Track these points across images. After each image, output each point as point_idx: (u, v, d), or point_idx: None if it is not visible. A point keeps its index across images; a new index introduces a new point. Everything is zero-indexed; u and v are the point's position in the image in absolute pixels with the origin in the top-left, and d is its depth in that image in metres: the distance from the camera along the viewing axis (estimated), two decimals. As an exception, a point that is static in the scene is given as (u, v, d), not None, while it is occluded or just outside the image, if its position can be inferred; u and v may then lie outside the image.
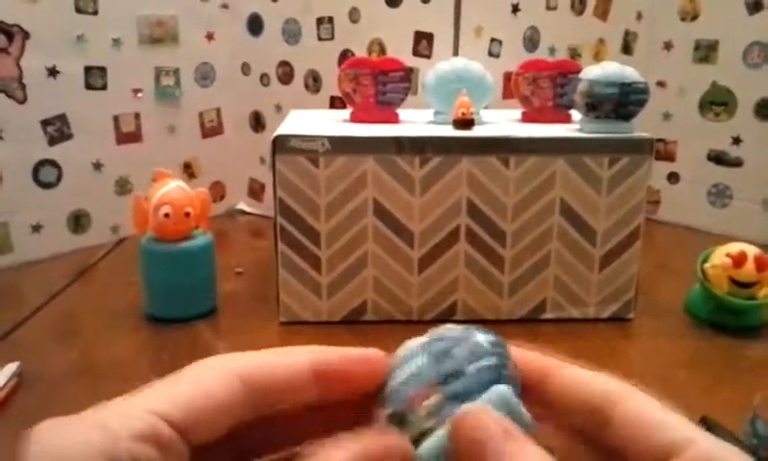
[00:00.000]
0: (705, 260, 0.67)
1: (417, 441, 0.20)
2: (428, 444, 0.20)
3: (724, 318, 0.65)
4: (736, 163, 0.93)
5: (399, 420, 0.21)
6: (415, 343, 0.22)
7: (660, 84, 0.97)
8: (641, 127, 0.65)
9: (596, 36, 0.95)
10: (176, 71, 0.92)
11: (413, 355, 0.21)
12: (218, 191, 1.01)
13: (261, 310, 0.68)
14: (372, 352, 0.22)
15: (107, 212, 0.88)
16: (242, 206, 1.04)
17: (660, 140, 0.98)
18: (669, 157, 0.99)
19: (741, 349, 0.62)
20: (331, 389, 0.21)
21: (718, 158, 0.94)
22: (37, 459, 0.17)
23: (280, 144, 0.61)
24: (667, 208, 1.00)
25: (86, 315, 0.69)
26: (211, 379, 0.19)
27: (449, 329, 0.22)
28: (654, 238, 0.90)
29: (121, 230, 0.90)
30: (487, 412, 0.19)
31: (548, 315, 0.67)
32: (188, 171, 0.97)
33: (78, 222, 0.86)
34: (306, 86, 0.92)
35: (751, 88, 0.89)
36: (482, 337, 0.22)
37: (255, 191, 1.03)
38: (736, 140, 0.92)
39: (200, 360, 0.21)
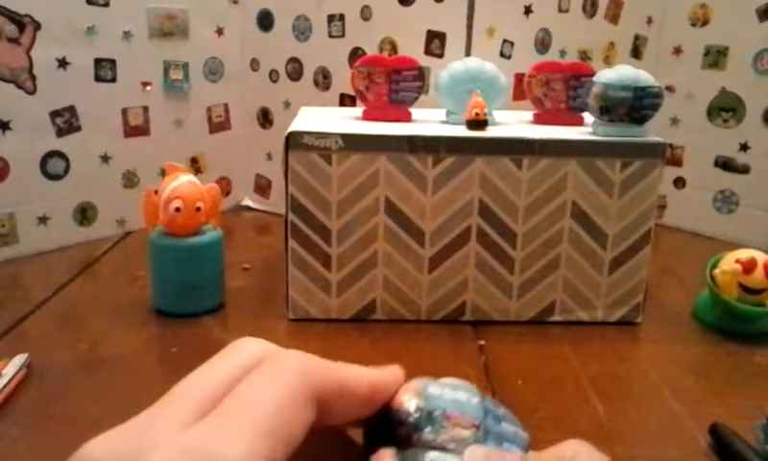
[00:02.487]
0: (714, 266, 0.67)
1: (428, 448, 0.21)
2: (444, 459, 0.20)
3: (732, 324, 0.65)
4: (743, 170, 0.93)
5: (427, 419, 0.21)
6: (467, 383, 0.23)
7: (669, 88, 0.97)
8: (649, 131, 0.65)
9: (607, 39, 0.95)
10: (185, 65, 0.92)
11: (463, 389, 0.23)
12: (224, 187, 1.01)
13: (270, 307, 0.68)
14: (398, 370, 0.23)
15: (113, 205, 0.88)
16: (248, 201, 1.04)
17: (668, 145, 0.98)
18: (676, 163, 0.99)
19: (750, 355, 0.62)
20: (375, 407, 0.22)
21: (725, 165, 0.94)
22: None
23: (294, 141, 0.61)
24: (673, 214, 1.01)
25: (93, 308, 0.68)
26: (294, 402, 0.19)
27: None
28: (659, 243, 0.90)
29: (127, 223, 0.89)
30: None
31: (557, 317, 0.67)
32: (195, 166, 0.97)
33: (84, 214, 0.86)
34: (316, 84, 0.92)
35: (760, 95, 0.89)
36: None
37: (262, 187, 1.03)
38: (744, 147, 0.92)
39: (271, 361, 0.20)
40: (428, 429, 0.21)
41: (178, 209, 0.62)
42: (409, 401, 0.22)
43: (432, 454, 0.20)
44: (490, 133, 0.64)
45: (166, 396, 0.20)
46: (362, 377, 0.22)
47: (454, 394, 0.22)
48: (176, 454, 0.17)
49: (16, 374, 0.52)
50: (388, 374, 0.23)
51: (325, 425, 0.21)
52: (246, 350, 0.21)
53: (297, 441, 0.19)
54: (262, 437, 0.17)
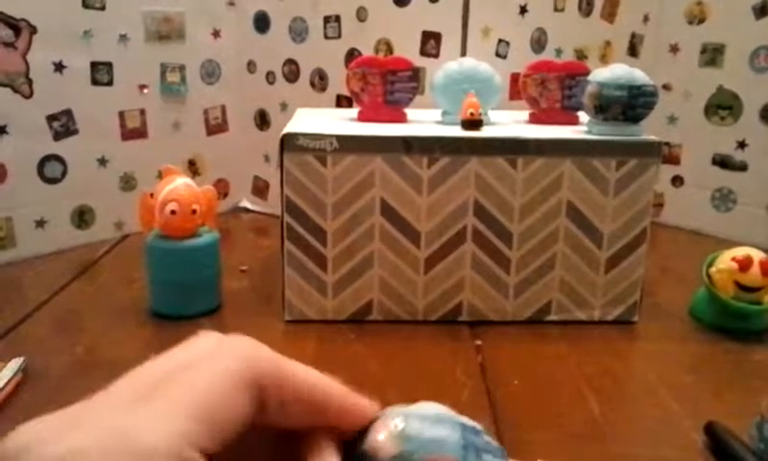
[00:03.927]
0: (710, 264, 0.67)
1: None
2: None
3: (729, 322, 0.65)
4: (741, 168, 0.93)
5: None
6: (444, 410, 0.22)
7: (666, 87, 0.97)
8: (646, 129, 0.65)
9: (603, 38, 0.95)
10: (181, 68, 0.92)
11: (442, 421, 0.21)
12: (222, 189, 1.01)
13: (266, 309, 0.68)
14: (368, 404, 0.22)
15: (111, 208, 0.88)
16: (246, 203, 1.04)
17: (664, 143, 0.98)
18: (674, 161, 0.99)
19: (747, 353, 0.62)
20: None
21: (723, 162, 0.94)
22: None
23: (289, 142, 0.61)
24: (671, 212, 1.00)
25: (90, 311, 0.68)
26: (229, 387, 0.18)
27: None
28: (657, 241, 0.90)
29: (125, 226, 0.90)
30: None
31: (553, 317, 0.67)
32: (192, 168, 0.97)
33: (82, 217, 0.86)
34: (312, 85, 0.92)
35: (757, 93, 0.89)
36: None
37: (260, 189, 1.03)
38: (741, 144, 0.92)
39: (212, 344, 0.20)
40: None
41: (173, 212, 0.62)
42: (385, 446, 0.20)
43: None
44: (484, 133, 0.64)
45: (112, 383, 0.19)
46: (320, 381, 0.21)
47: (434, 430, 0.21)
48: (95, 434, 0.16)
49: (12, 377, 0.52)
50: (355, 396, 0.22)
51: (274, 425, 0.20)
52: (202, 342, 0.20)
53: (232, 428, 0.18)
54: (187, 420, 0.17)
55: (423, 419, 0.21)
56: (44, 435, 0.16)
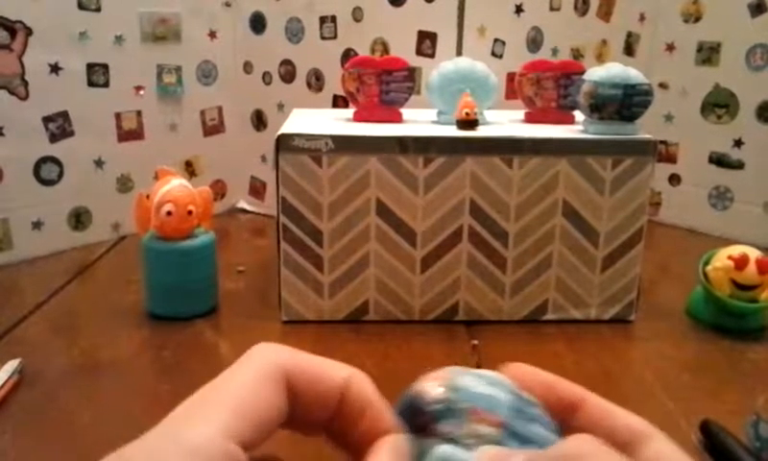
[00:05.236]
0: (706, 263, 0.67)
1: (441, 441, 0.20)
2: (453, 454, 0.19)
3: (726, 321, 0.65)
4: (738, 166, 0.93)
5: (447, 411, 0.20)
6: (503, 378, 0.22)
7: (662, 85, 0.97)
8: (643, 128, 0.65)
9: (599, 37, 0.95)
10: (178, 69, 0.92)
11: (496, 384, 0.21)
12: (219, 189, 1.01)
13: (263, 309, 0.68)
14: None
15: (107, 210, 0.88)
16: (243, 204, 1.04)
17: (661, 142, 0.98)
18: (671, 159, 0.99)
19: (743, 352, 0.62)
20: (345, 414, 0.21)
21: (720, 161, 0.94)
22: None
23: (284, 143, 0.61)
24: (668, 210, 1.00)
25: (87, 313, 0.68)
26: (261, 384, 0.20)
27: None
28: (655, 240, 0.90)
29: (122, 227, 0.90)
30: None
31: (550, 316, 0.67)
32: (189, 169, 0.97)
33: (78, 219, 0.86)
34: (309, 85, 0.92)
35: (753, 91, 0.89)
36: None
37: (257, 190, 1.03)
38: (738, 143, 0.92)
39: (256, 351, 0.21)
40: (447, 421, 0.20)
41: (169, 213, 0.62)
42: (432, 390, 0.21)
43: (442, 448, 0.19)
44: (480, 132, 0.64)
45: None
46: (340, 368, 0.22)
47: (486, 389, 0.21)
48: (146, 440, 0.18)
49: (9, 379, 0.52)
50: (365, 375, 0.22)
51: (302, 420, 0.21)
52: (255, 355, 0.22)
53: (269, 424, 0.19)
54: (227, 417, 0.18)
55: (479, 377, 0.21)
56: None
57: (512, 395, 0.21)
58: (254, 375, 0.20)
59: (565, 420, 0.22)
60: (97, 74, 0.84)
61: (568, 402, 0.22)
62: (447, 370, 0.22)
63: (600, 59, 0.95)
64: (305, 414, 0.21)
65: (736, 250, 0.65)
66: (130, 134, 0.89)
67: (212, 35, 0.95)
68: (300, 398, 0.21)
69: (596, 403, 0.22)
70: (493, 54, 0.85)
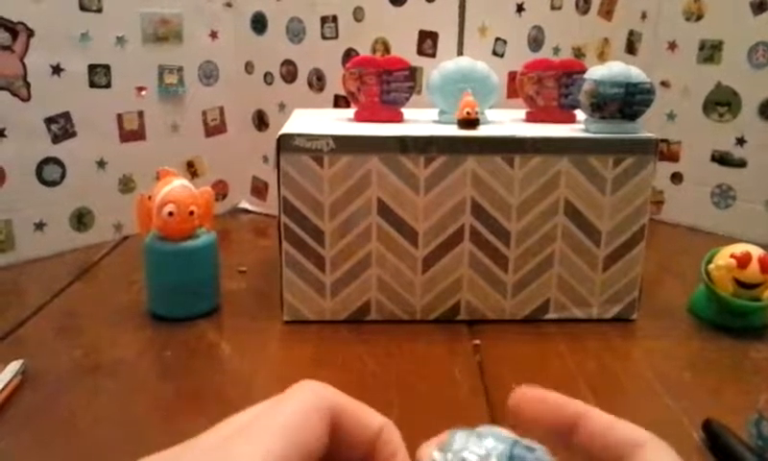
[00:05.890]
0: (709, 261, 0.67)
1: None
2: None
3: (728, 319, 0.65)
4: (740, 164, 0.92)
5: None
6: (500, 430, 0.22)
7: (665, 84, 0.97)
8: (645, 127, 0.65)
9: (601, 35, 0.95)
10: (179, 69, 0.92)
11: (491, 435, 0.22)
12: (221, 190, 1.01)
13: (265, 309, 0.68)
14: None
15: (110, 210, 0.88)
16: (245, 204, 1.04)
17: (663, 141, 0.98)
18: (673, 158, 0.99)
19: (745, 350, 0.62)
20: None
21: (722, 159, 0.94)
22: None
23: (285, 143, 0.61)
24: (671, 209, 1.00)
25: (89, 313, 0.69)
26: (307, 416, 0.21)
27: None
28: (657, 239, 0.90)
29: (124, 228, 0.90)
30: None
31: (552, 315, 0.67)
32: (191, 169, 0.97)
33: (81, 220, 0.86)
34: (310, 85, 0.92)
35: (755, 89, 0.89)
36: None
37: (259, 190, 1.03)
38: (740, 141, 0.92)
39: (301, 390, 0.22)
40: None
41: (171, 214, 0.62)
42: (429, 455, 0.21)
43: None
44: (481, 131, 0.64)
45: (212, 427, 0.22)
46: (377, 415, 0.23)
47: (479, 441, 0.21)
48: (199, 455, 0.19)
49: (12, 380, 0.52)
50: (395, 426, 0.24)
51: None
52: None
53: (311, 455, 0.20)
54: (275, 441, 0.19)
55: (471, 433, 0.22)
56: None
57: (508, 443, 0.21)
58: (302, 405, 0.21)
59: (568, 437, 0.23)
60: (99, 75, 0.84)
61: (571, 421, 0.23)
62: (447, 433, 0.22)
63: (601, 57, 0.95)
64: (342, 451, 0.22)
65: (739, 248, 0.65)
66: (131, 135, 0.89)
67: (213, 35, 0.95)
68: (341, 435, 0.22)
69: (596, 418, 0.23)
70: (495, 53, 0.85)
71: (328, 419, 0.21)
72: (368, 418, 0.23)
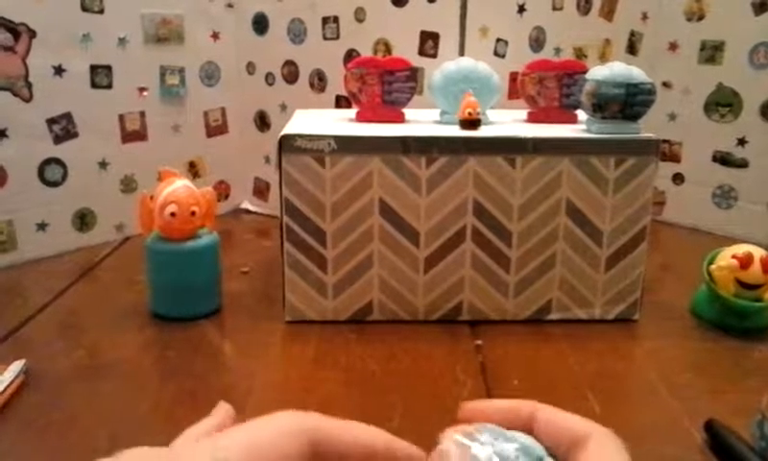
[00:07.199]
0: (711, 262, 0.67)
1: None
2: None
3: (730, 320, 0.65)
4: (742, 165, 0.92)
5: None
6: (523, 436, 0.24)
7: (666, 84, 0.97)
8: (646, 127, 0.65)
9: (602, 36, 0.95)
10: (181, 70, 0.92)
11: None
12: (223, 190, 1.01)
13: (267, 310, 0.68)
14: (417, 452, 0.25)
15: (112, 211, 0.88)
16: (247, 205, 1.04)
17: (665, 141, 0.98)
18: (674, 158, 0.99)
19: (748, 351, 0.62)
20: None
21: (723, 160, 0.94)
22: None
23: (287, 144, 0.61)
24: (672, 209, 1.00)
25: (91, 313, 0.69)
26: (278, 434, 0.22)
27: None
28: (659, 239, 0.90)
29: (126, 228, 0.90)
30: None
31: (554, 316, 0.67)
32: (193, 170, 0.97)
33: (83, 220, 0.86)
34: (311, 86, 0.92)
35: (756, 89, 0.89)
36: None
37: (261, 190, 1.03)
38: (741, 141, 0.92)
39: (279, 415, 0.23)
40: None
41: (173, 214, 0.62)
42: (449, 451, 0.23)
43: None
44: (483, 132, 0.64)
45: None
46: (379, 435, 0.24)
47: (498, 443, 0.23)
48: (142, 454, 0.21)
49: (14, 380, 0.52)
50: (400, 441, 0.25)
51: None
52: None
53: None
54: (239, 452, 0.21)
55: (500, 432, 0.24)
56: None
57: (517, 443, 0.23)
58: (274, 424, 0.22)
59: (529, 431, 0.25)
60: (100, 75, 0.84)
61: (527, 418, 0.25)
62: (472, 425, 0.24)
63: (603, 58, 0.95)
64: None
65: (741, 249, 0.64)
66: (133, 136, 0.89)
67: (215, 36, 0.95)
68: (329, 458, 0.23)
69: (546, 413, 0.26)
70: (496, 54, 0.85)
71: (305, 440, 0.22)
72: (360, 436, 0.24)
